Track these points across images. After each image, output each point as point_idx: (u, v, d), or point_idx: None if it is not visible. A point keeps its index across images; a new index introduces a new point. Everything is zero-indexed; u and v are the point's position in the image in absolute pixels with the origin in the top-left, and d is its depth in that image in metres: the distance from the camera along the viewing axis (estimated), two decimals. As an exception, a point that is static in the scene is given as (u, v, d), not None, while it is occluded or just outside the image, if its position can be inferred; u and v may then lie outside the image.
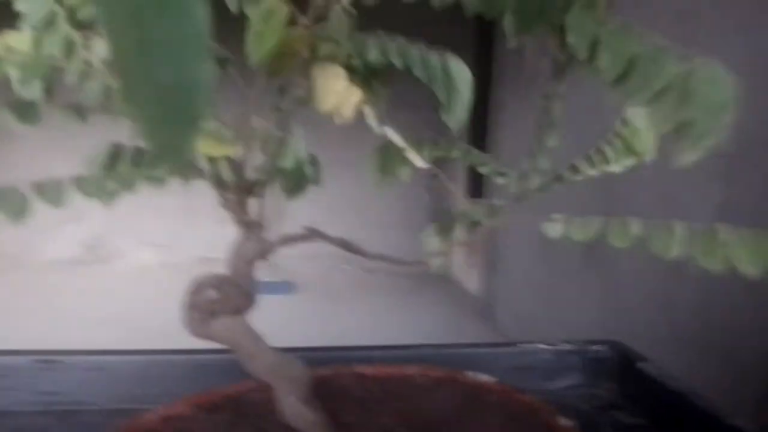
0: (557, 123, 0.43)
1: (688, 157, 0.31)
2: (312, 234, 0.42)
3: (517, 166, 0.51)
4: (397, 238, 3.44)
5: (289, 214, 3.25)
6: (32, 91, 0.35)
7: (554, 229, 0.48)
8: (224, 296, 0.36)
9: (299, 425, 0.35)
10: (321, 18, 0.39)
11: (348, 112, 0.42)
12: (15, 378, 0.61)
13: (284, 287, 3.07)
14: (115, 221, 3.32)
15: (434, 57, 0.47)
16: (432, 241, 0.60)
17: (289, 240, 0.41)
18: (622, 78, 0.36)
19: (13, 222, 0.31)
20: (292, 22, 0.37)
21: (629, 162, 0.49)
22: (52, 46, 0.34)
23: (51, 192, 0.32)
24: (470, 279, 3.21)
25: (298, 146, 0.39)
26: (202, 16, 0.14)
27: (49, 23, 0.33)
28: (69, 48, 0.34)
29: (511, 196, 0.49)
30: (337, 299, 3.11)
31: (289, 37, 0.37)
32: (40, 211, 0.32)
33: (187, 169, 0.35)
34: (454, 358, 0.71)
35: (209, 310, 0.36)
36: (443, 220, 0.60)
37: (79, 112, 0.32)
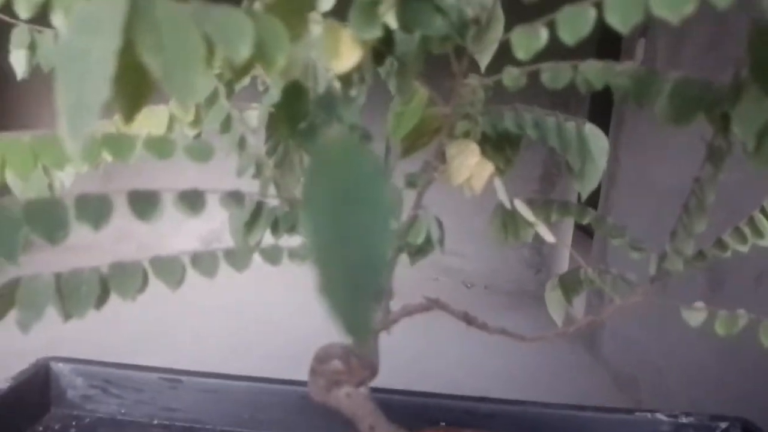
0: (707, 208, 0.40)
1: None
2: (433, 305, 0.42)
3: (652, 246, 0.48)
4: (498, 250, 3.35)
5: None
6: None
7: (695, 318, 0.44)
8: (349, 368, 0.36)
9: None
10: (464, 96, 0.38)
11: (479, 185, 0.41)
12: (145, 393, 0.65)
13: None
14: (233, 219, 3.54)
15: (570, 126, 0.45)
16: (554, 295, 0.58)
17: (411, 310, 0.41)
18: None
19: (172, 288, 0.34)
20: (430, 103, 0.37)
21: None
22: (214, 121, 0.36)
23: (205, 263, 0.34)
24: (575, 303, 3.09)
25: (430, 223, 0.39)
26: (389, 206, 0.15)
27: (211, 101, 0.36)
28: (227, 124, 0.36)
29: (649, 275, 0.46)
30: (434, 322, 3.10)
31: (428, 117, 0.37)
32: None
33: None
34: (565, 422, 0.68)
35: (333, 379, 0.37)
36: (568, 278, 0.58)
37: (237, 198, 0.34)
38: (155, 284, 0.34)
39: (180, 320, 2.68)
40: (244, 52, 0.22)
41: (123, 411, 0.65)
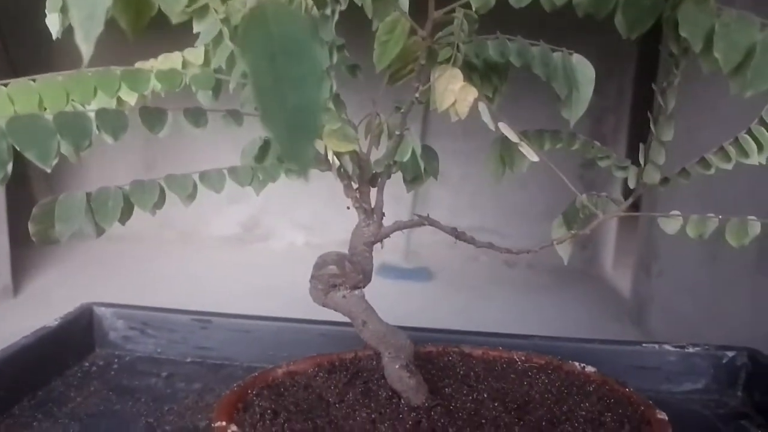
0: (672, 116, 0.43)
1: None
2: (423, 221, 0.46)
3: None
4: (540, 229, 3.35)
5: (433, 202, 3.31)
6: (206, 99, 0.43)
7: (670, 225, 0.47)
8: (343, 272, 0.41)
9: (400, 388, 0.40)
10: (442, 24, 0.42)
11: (464, 109, 0.45)
12: (179, 333, 0.72)
13: (422, 274, 3.14)
14: (270, 205, 3.60)
15: (556, 56, 0.48)
16: (559, 231, 0.61)
17: (402, 226, 0.45)
18: (740, 68, 0.35)
19: (184, 203, 0.39)
20: (413, 32, 0.40)
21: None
22: (220, 59, 0.40)
23: (213, 179, 0.39)
24: (621, 279, 3.06)
25: (414, 142, 0.43)
26: (320, 58, 0.19)
27: (217, 41, 0.40)
28: (231, 60, 0.40)
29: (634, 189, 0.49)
30: (475, 290, 3.10)
31: (411, 45, 0.41)
32: (208, 194, 0.39)
33: (318, 163, 0.40)
34: (572, 351, 0.71)
35: (330, 283, 0.41)
36: (568, 210, 0.61)
37: (236, 117, 0.38)
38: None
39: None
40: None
41: (159, 350, 0.71)
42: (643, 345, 0.73)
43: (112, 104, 0.43)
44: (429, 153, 0.50)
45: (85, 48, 0.25)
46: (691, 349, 0.72)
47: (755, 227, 0.42)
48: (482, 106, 0.46)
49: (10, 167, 0.31)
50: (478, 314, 2.62)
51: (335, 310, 0.42)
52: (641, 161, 0.46)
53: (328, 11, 0.35)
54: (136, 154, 3.40)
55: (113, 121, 0.33)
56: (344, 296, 0.41)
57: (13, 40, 3.08)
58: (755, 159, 0.47)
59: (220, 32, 0.43)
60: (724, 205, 0.42)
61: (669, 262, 2.47)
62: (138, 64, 0.45)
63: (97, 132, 0.33)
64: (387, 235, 0.44)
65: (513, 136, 0.48)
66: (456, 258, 3.25)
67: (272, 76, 0.19)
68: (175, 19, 0.28)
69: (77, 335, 0.69)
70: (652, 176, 0.46)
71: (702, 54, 0.36)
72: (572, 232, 0.50)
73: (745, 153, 0.48)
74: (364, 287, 0.42)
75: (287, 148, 0.19)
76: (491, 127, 0.48)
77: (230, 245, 3.70)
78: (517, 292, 3.02)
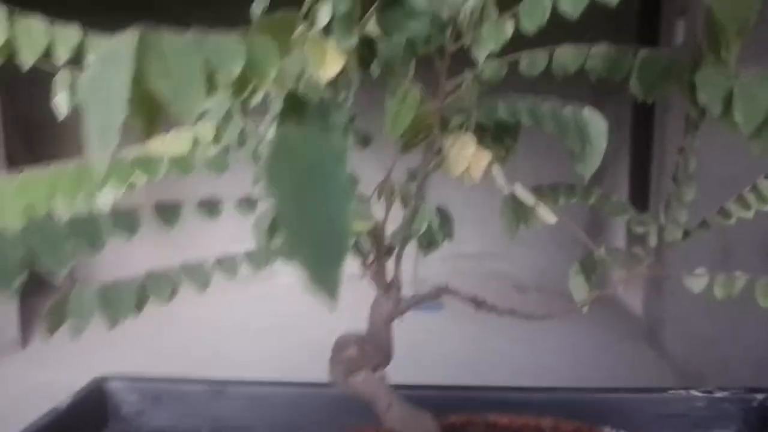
0: (693, 176, 0.42)
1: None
2: (442, 291, 0.45)
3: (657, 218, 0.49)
4: (546, 253, 3.33)
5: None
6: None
7: (697, 284, 0.46)
8: (364, 354, 0.39)
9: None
10: (451, 91, 0.42)
11: (477, 174, 0.44)
12: (193, 404, 0.70)
13: (432, 304, 3.12)
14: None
15: (566, 111, 0.47)
16: (576, 279, 0.60)
17: (421, 299, 0.44)
18: (761, 129, 0.34)
19: (198, 291, 0.38)
20: (423, 100, 0.40)
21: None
22: (231, 137, 0.40)
23: (229, 265, 0.38)
24: (633, 298, 3.03)
25: (430, 212, 0.42)
26: (347, 181, 0.18)
27: (227, 118, 0.40)
28: (243, 137, 0.40)
29: (651, 247, 0.48)
30: (485, 317, 3.08)
31: (423, 114, 0.40)
32: (213, 231, 0.38)
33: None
34: (598, 405, 0.69)
35: (350, 366, 0.40)
36: (586, 261, 0.60)
37: (250, 204, 0.37)
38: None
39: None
40: (235, 70, 0.26)
41: (174, 423, 0.69)
42: (670, 392, 0.71)
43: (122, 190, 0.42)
44: (443, 216, 0.49)
45: (101, 161, 0.24)
46: (719, 394, 0.70)
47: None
48: (496, 170, 0.45)
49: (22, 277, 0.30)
50: (491, 343, 2.58)
51: (356, 394, 0.40)
52: (661, 219, 0.45)
53: (342, 96, 0.34)
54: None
55: (126, 222, 0.32)
56: (365, 379, 0.40)
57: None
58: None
59: (230, 109, 0.43)
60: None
61: (681, 280, 2.43)
62: (148, 142, 0.44)
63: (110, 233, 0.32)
64: (407, 310, 0.43)
65: (529, 199, 0.47)
66: (465, 285, 3.23)
67: (299, 204, 0.18)
68: (189, 122, 0.27)
69: (89, 412, 0.67)
70: (675, 234, 0.45)
71: (722, 117, 0.35)
72: (597, 291, 0.49)
73: (764, 200, 0.47)
74: (384, 368, 0.41)
75: (316, 275, 0.18)
76: (506, 191, 0.47)
77: (241, 281, 3.71)
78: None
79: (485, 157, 0.44)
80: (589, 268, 0.60)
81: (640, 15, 2.79)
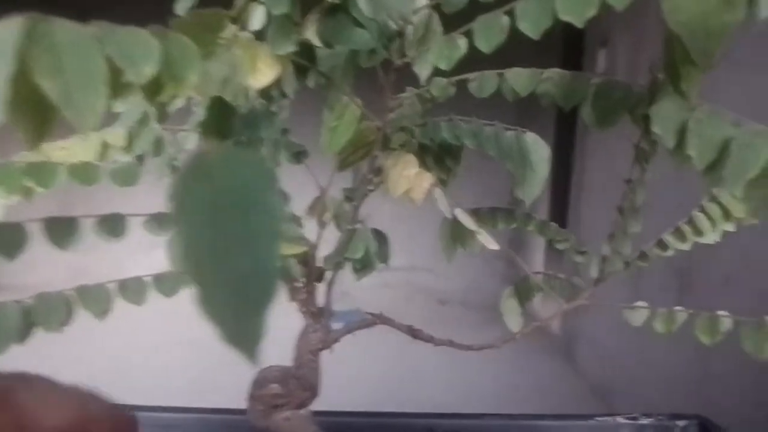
0: (640, 209, 0.41)
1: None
2: (378, 320, 0.41)
3: (597, 248, 0.48)
4: (472, 265, 3.37)
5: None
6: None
7: (636, 317, 0.45)
8: (287, 391, 0.36)
9: None
10: (393, 109, 0.39)
11: (419, 196, 0.41)
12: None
13: (355, 316, 3.09)
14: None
15: (509, 135, 0.45)
16: (509, 302, 0.58)
17: (355, 328, 0.40)
18: (714, 165, 0.33)
19: (99, 317, 0.33)
20: (363, 116, 0.37)
21: (728, 228, 0.46)
22: (145, 144, 0.35)
23: (133, 290, 0.33)
24: (549, 314, 3.11)
25: (367, 236, 0.39)
26: (276, 210, 0.14)
27: (142, 123, 0.35)
28: (158, 145, 0.35)
29: (591, 278, 0.47)
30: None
31: (363, 131, 0.37)
32: (126, 239, 0.33)
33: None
34: (526, 429, 0.68)
35: (272, 403, 0.36)
36: (521, 286, 0.58)
37: (162, 221, 0.33)
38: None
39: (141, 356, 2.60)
40: (147, 71, 0.22)
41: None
42: (596, 419, 0.71)
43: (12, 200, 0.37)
44: (380, 238, 0.46)
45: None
46: (644, 420, 0.70)
47: (726, 323, 0.41)
48: (438, 193, 0.42)
49: None
50: (414, 356, 2.58)
51: (280, 433, 0.37)
52: (604, 251, 0.44)
53: (275, 107, 0.30)
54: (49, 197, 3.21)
55: (9, 237, 0.27)
56: (288, 418, 0.36)
57: None
58: (710, 237, 0.46)
59: (146, 114, 0.38)
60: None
61: (597, 295, 2.52)
62: (45, 146, 0.39)
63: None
64: (336, 341, 0.39)
65: (471, 225, 0.45)
66: (389, 298, 3.22)
67: (213, 239, 0.14)
68: (87, 132, 0.23)
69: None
70: (617, 266, 0.44)
71: (675, 150, 0.34)
72: (536, 323, 0.47)
73: (699, 232, 0.46)
74: (311, 404, 0.37)
75: (231, 330, 0.14)
76: (448, 215, 0.44)
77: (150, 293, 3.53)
78: (451, 331, 3.01)
79: (427, 178, 0.41)
80: (524, 293, 0.59)
81: (564, 44, 2.87)
